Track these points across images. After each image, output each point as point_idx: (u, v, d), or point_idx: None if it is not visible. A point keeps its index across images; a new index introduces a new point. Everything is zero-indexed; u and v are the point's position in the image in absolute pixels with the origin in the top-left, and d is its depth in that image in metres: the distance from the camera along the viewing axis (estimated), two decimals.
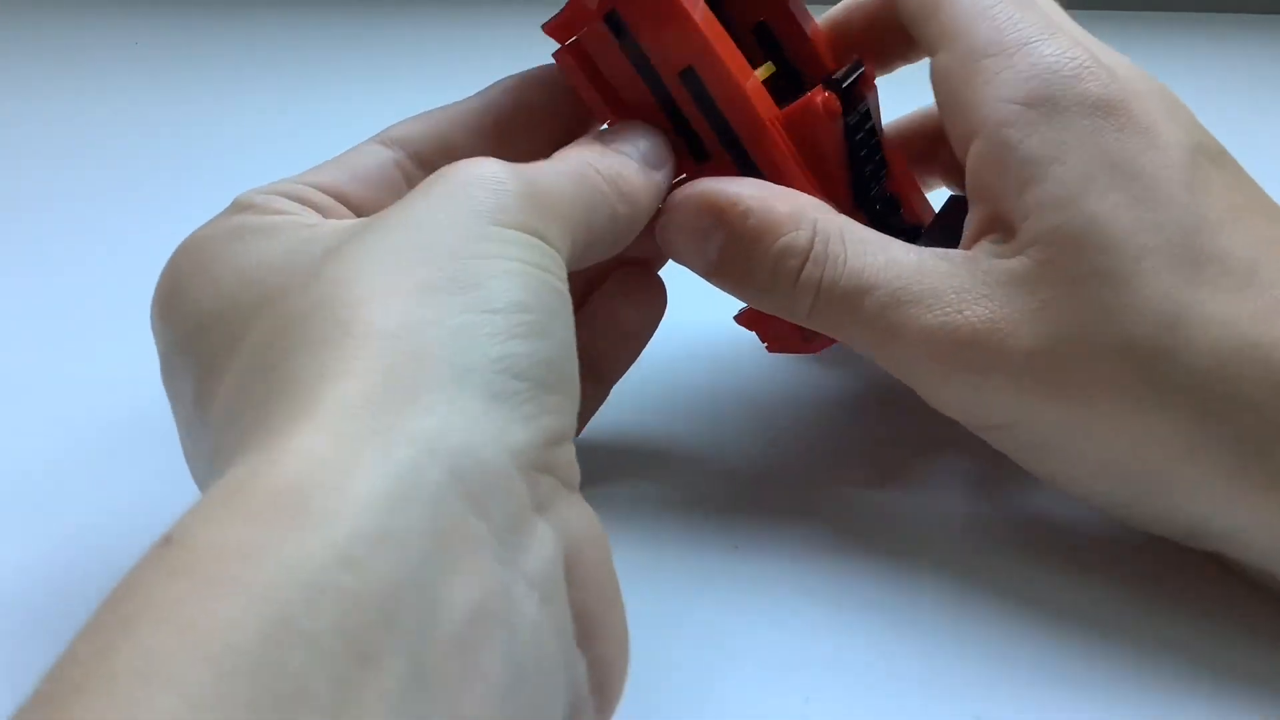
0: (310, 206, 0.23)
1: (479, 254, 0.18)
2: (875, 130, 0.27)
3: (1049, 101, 0.22)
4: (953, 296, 0.22)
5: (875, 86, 0.28)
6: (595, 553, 0.17)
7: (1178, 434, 0.21)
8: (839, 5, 0.30)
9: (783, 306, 0.24)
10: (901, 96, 0.32)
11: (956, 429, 0.28)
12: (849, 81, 0.26)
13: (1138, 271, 0.21)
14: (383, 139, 0.25)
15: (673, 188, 0.25)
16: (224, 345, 0.19)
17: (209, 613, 0.12)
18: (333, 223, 0.21)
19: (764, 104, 0.25)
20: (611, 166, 0.23)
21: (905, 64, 0.31)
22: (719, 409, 0.31)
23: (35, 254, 0.44)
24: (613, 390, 0.29)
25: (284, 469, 0.14)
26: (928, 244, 0.26)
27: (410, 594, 0.13)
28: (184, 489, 0.27)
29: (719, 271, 0.24)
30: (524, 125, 0.26)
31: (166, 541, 0.13)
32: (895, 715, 0.21)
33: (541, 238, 0.19)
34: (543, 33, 0.26)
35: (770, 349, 0.29)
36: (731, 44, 0.25)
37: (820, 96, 0.25)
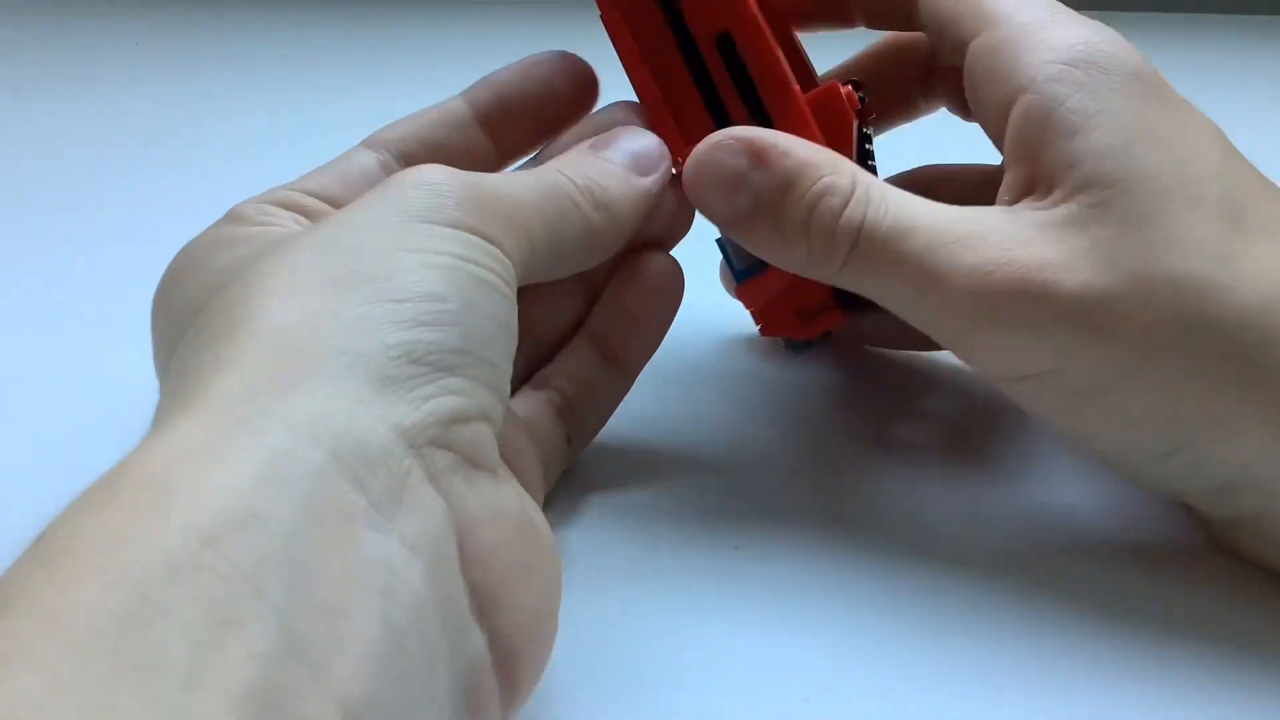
0: (300, 212, 0.23)
1: (398, 248, 0.18)
2: (873, 155, 0.28)
3: (1092, 63, 0.23)
4: (999, 238, 0.22)
5: (873, 120, 0.29)
6: (495, 532, 0.17)
7: (1227, 369, 0.21)
8: (841, 63, 0.31)
9: (816, 257, 0.24)
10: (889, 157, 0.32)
11: (957, 429, 0.28)
12: (862, 89, 0.26)
13: (1188, 216, 0.21)
14: (369, 143, 0.26)
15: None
16: (181, 337, 0.19)
17: (68, 597, 0.12)
18: (288, 229, 0.22)
19: (793, 79, 0.25)
20: (588, 175, 0.23)
21: (899, 121, 0.32)
22: (721, 409, 0.31)
23: (34, 254, 0.44)
24: None
25: (151, 460, 0.14)
26: None
27: (278, 565, 0.14)
28: None
29: (751, 218, 0.24)
30: (507, 119, 0.26)
31: (38, 538, 0.14)
32: (895, 715, 0.21)
33: (482, 235, 0.19)
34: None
35: (764, 332, 0.29)
36: (765, 19, 0.25)
37: (844, 88, 0.25)
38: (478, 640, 0.17)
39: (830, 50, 0.31)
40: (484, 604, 0.17)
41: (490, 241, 0.19)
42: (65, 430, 0.30)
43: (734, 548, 0.25)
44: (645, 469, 0.28)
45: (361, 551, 0.15)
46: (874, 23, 0.29)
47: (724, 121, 0.25)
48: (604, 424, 0.28)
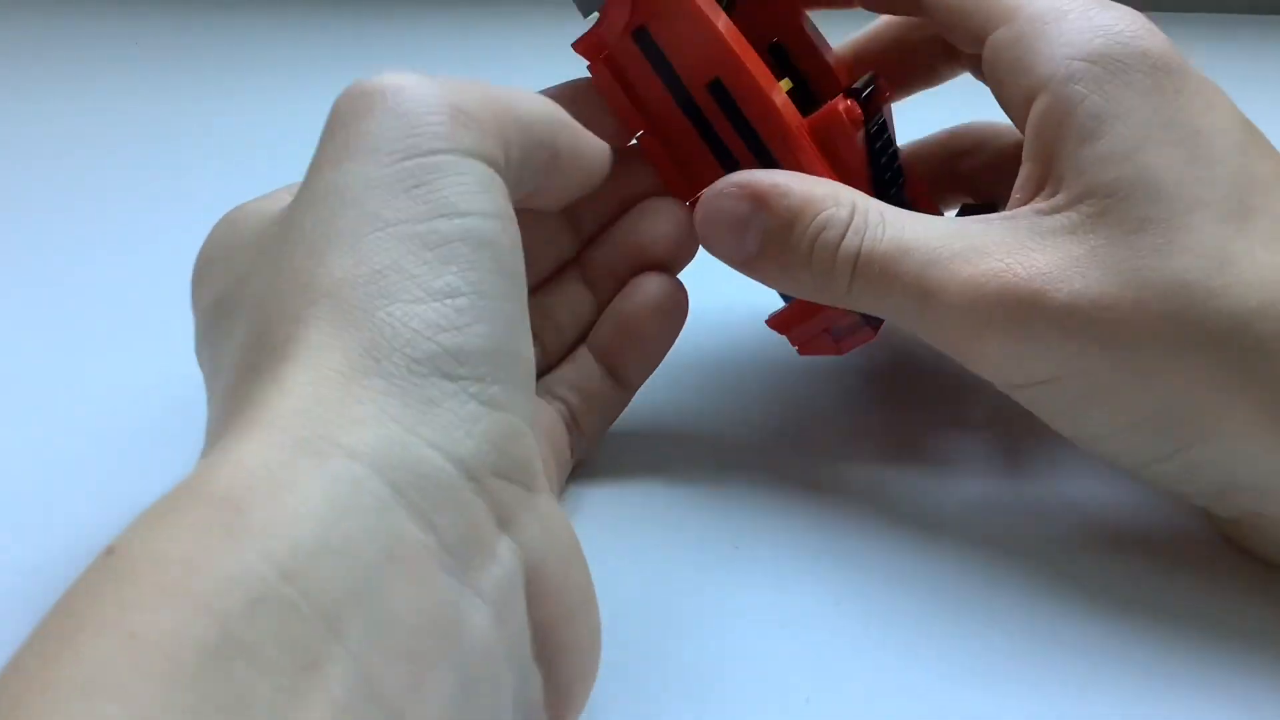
0: None
1: (389, 222, 0.17)
2: (892, 140, 0.28)
3: (1112, 58, 0.22)
4: (995, 249, 0.22)
5: (890, 101, 0.29)
6: (559, 563, 0.17)
7: (1223, 373, 0.21)
8: (861, 32, 0.31)
9: (822, 285, 0.24)
10: (918, 119, 0.32)
11: (961, 425, 0.28)
12: (867, 91, 0.26)
13: (1189, 220, 0.21)
14: None
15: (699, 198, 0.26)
16: (229, 332, 0.19)
17: (150, 623, 0.12)
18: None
19: (790, 112, 0.26)
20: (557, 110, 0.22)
21: (922, 88, 0.32)
22: (720, 406, 0.31)
23: (35, 255, 0.44)
24: None
25: (220, 479, 0.14)
26: None
27: (356, 604, 0.13)
28: None
29: (760, 257, 0.25)
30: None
31: (109, 552, 0.13)
32: (896, 715, 0.21)
33: (464, 152, 0.18)
34: (568, 45, 0.27)
35: (801, 352, 0.30)
36: (755, 55, 0.25)
37: (843, 105, 0.26)
38: (535, 681, 0.17)
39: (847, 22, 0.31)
40: (544, 644, 0.17)
41: (475, 157, 0.18)
42: (63, 431, 0.30)
43: (734, 546, 0.25)
44: (644, 467, 0.28)
45: (436, 595, 0.14)
46: (875, 6, 0.29)
47: (729, 161, 0.26)
48: (603, 434, 0.28)
